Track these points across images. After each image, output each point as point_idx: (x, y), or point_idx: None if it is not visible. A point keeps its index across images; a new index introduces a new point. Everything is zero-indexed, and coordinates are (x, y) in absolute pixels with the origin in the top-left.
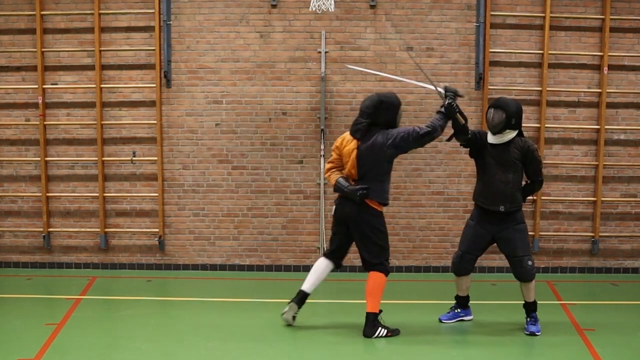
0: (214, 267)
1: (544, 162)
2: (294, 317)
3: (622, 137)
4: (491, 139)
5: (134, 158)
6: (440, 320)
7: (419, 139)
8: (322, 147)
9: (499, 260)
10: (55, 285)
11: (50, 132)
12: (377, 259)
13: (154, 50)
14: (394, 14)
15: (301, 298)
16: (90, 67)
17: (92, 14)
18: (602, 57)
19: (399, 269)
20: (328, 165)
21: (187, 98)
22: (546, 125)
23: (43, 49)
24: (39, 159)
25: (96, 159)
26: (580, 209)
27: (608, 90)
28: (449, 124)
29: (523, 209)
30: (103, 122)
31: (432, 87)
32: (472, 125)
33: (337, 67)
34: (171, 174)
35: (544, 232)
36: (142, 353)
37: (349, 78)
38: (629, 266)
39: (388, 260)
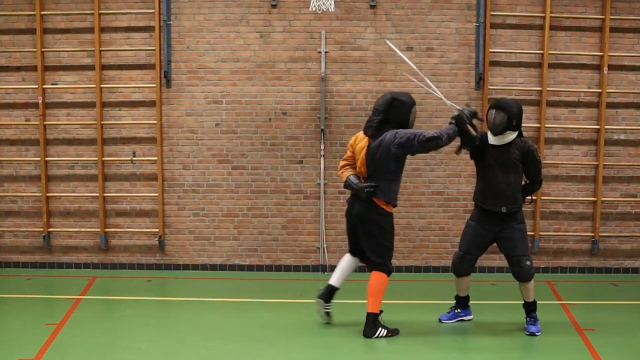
0: (214, 267)
1: (544, 162)
2: (327, 313)
3: (622, 137)
4: (492, 140)
5: (134, 158)
6: (440, 321)
7: (424, 143)
8: (322, 147)
9: (499, 260)
10: (55, 285)
11: (50, 132)
12: (380, 258)
13: (154, 50)
14: (394, 14)
15: (328, 292)
16: (90, 67)
17: (92, 14)
18: (602, 57)
19: (399, 269)
20: (342, 163)
21: (187, 98)
22: (546, 125)
23: (43, 49)
24: (39, 159)
25: (96, 159)
26: (580, 209)
27: (608, 90)
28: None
29: (523, 209)
30: (103, 122)
31: (456, 107)
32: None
33: (337, 67)
34: (171, 174)
35: (544, 232)
36: (142, 353)
37: (349, 78)
38: (629, 266)
39: (391, 260)
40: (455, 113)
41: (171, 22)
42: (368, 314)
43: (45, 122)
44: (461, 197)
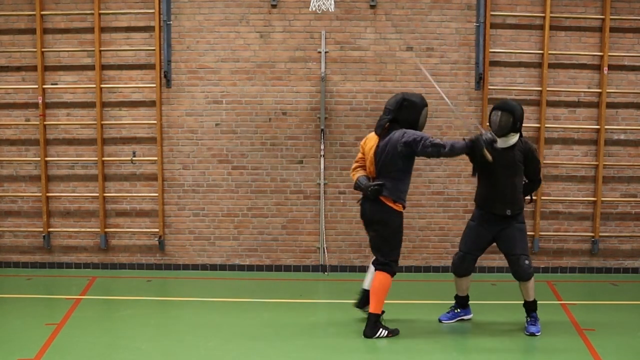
0: (214, 267)
1: (544, 162)
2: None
3: (622, 137)
4: (497, 143)
5: (134, 158)
6: (440, 321)
7: (427, 147)
8: (322, 147)
9: (499, 260)
10: (55, 285)
11: (50, 132)
12: (384, 257)
13: (154, 50)
14: (394, 14)
15: (364, 297)
16: (90, 67)
17: (92, 14)
18: (602, 57)
19: (399, 269)
20: (353, 165)
21: (187, 98)
22: (546, 125)
23: (43, 49)
24: (39, 159)
25: (96, 159)
26: (580, 209)
27: (608, 90)
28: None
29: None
30: (103, 122)
31: (478, 127)
32: (472, 125)
33: (337, 67)
34: (171, 174)
35: (544, 232)
36: (142, 353)
37: (349, 78)
38: (629, 266)
39: (397, 262)
40: (473, 137)
41: (171, 22)
42: (369, 314)
43: (45, 122)
44: (461, 197)
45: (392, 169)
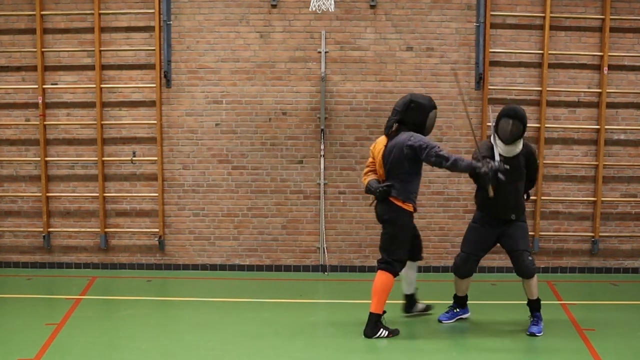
0: (214, 267)
1: (544, 162)
2: (425, 309)
3: (622, 137)
4: (502, 150)
5: (134, 158)
6: (439, 321)
7: (431, 157)
8: (322, 147)
9: (499, 260)
10: (55, 285)
11: (50, 132)
12: (389, 256)
13: (154, 50)
14: (394, 14)
15: (408, 302)
16: (90, 67)
17: (92, 14)
18: (602, 57)
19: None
20: (365, 170)
21: (187, 98)
22: (546, 125)
23: (43, 49)
24: (39, 159)
25: (96, 159)
26: (580, 209)
27: (608, 90)
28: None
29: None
30: (103, 122)
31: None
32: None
33: (337, 67)
34: (171, 174)
35: (544, 232)
36: (142, 353)
37: (349, 78)
38: (629, 266)
39: (400, 263)
40: (482, 168)
41: (171, 22)
42: (370, 313)
43: (45, 122)
44: (461, 197)
45: (399, 171)
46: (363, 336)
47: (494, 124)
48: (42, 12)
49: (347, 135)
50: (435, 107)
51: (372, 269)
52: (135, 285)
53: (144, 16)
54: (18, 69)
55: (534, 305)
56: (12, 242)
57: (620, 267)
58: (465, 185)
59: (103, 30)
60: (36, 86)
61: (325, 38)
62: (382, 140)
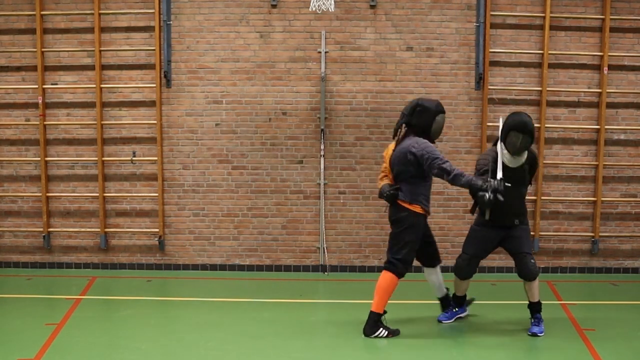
0: (214, 267)
1: (544, 162)
2: (468, 301)
3: (622, 137)
4: (508, 162)
5: (134, 158)
6: (439, 321)
7: (434, 168)
8: (322, 147)
9: (499, 260)
10: (55, 285)
11: (50, 132)
12: (393, 256)
13: (154, 50)
14: (394, 14)
15: (443, 304)
16: (90, 67)
17: (92, 14)
18: (602, 57)
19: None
20: (380, 175)
21: (187, 98)
22: (546, 125)
23: (43, 49)
24: (39, 159)
25: (96, 159)
26: (580, 209)
27: (608, 90)
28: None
29: None
30: (103, 122)
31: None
32: (472, 125)
33: (337, 67)
34: (171, 174)
35: (544, 232)
36: (142, 353)
37: (349, 78)
38: (629, 266)
39: (404, 263)
40: (482, 191)
41: (171, 22)
42: (370, 312)
43: (45, 122)
44: (461, 197)
45: (405, 175)
46: (363, 335)
47: (500, 130)
48: (42, 12)
49: (347, 135)
50: (442, 112)
51: (372, 269)
52: (135, 285)
53: (144, 16)
54: (18, 69)
55: (535, 308)
56: (12, 242)
57: (620, 267)
58: None
59: (103, 30)
60: (36, 86)
61: (325, 38)
62: (392, 144)
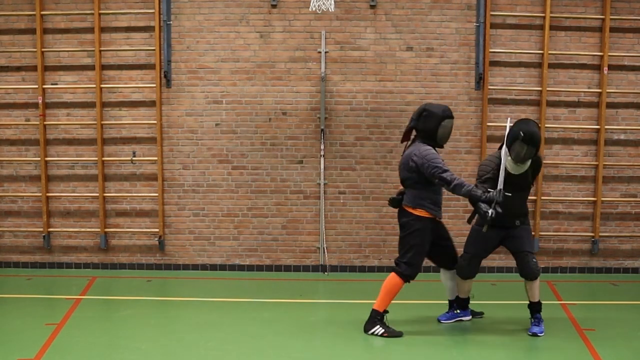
0: (214, 267)
1: (544, 162)
2: (477, 313)
3: (622, 137)
4: (511, 168)
5: (134, 158)
6: (439, 321)
7: (434, 177)
8: (322, 147)
9: (499, 260)
10: (55, 285)
11: (50, 132)
12: (398, 259)
13: (154, 50)
14: (394, 14)
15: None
16: (90, 67)
17: (92, 14)
18: (602, 57)
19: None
20: None
21: (187, 98)
22: (546, 125)
23: (43, 49)
24: (39, 159)
25: (96, 159)
26: (580, 209)
27: (608, 90)
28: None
29: None
30: (103, 122)
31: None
32: (472, 125)
33: (337, 67)
34: (171, 174)
35: (544, 232)
36: (142, 353)
37: (349, 78)
38: (629, 266)
39: (409, 266)
40: (489, 213)
41: (171, 22)
42: (372, 309)
43: (45, 122)
44: (461, 197)
45: (410, 181)
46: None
47: (506, 134)
48: (42, 12)
49: (347, 135)
50: (448, 117)
51: (372, 269)
52: (135, 285)
53: (144, 16)
54: (18, 69)
55: (535, 307)
56: (12, 242)
57: (620, 267)
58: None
59: (103, 30)
60: (36, 86)
61: (325, 38)
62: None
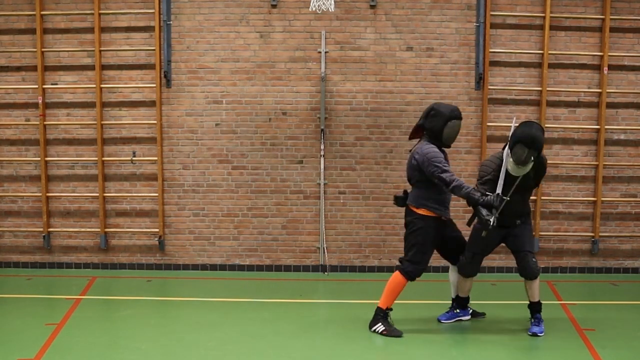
0: (214, 267)
1: None
2: (478, 314)
3: (622, 137)
4: (512, 169)
5: (134, 158)
6: (439, 321)
7: (434, 177)
8: (322, 147)
9: (499, 260)
10: (55, 285)
11: (50, 132)
12: (404, 257)
13: (154, 50)
14: (394, 14)
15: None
16: (90, 67)
17: (92, 14)
18: (602, 57)
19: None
20: None
21: (187, 98)
22: (546, 125)
23: (43, 49)
24: (39, 159)
25: (96, 159)
26: (580, 209)
27: (608, 90)
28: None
29: None
30: (103, 122)
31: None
32: (472, 125)
33: (337, 67)
34: (171, 174)
35: (544, 232)
36: (142, 353)
37: (349, 78)
38: (629, 266)
39: (412, 264)
40: (490, 221)
41: (171, 22)
42: (377, 307)
43: (45, 122)
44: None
45: (413, 180)
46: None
47: (510, 135)
48: (42, 12)
49: (347, 135)
50: (456, 118)
51: (372, 269)
52: (135, 285)
53: (144, 16)
54: (18, 69)
55: (535, 307)
56: (12, 242)
57: (620, 267)
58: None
59: (103, 30)
60: (36, 86)
61: (325, 38)
62: None
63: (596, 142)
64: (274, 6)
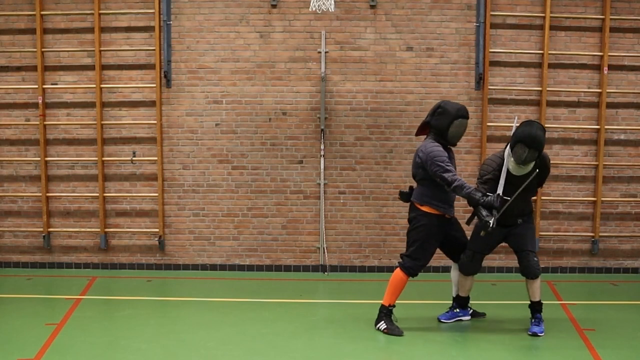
0: (214, 267)
1: None
2: (479, 314)
3: (622, 137)
4: (513, 169)
5: (134, 158)
6: (439, 320)
7: (436, 177)
8: (322, 147)
9: (499, 260)
10: (55, 285)
11: (50, 132)
12: (404, 253)
13: (154, 50)
14: (394, 14)
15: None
16: (90, 67)
17: (92, 14)
18: (602, 57)
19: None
20: None
21: (187, 98)
22: (546, 125)
23: (43, 49)
24: (39, 159)
25: (96, 159)
26: (580, 209)
27: (608, 90)
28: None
29: None
30: (103, 122)
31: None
32: (472, 125)
33: (337, 67)
34: (171, 174)
35: (544, 232)
36: (142, 353)
37: (349, 78)
38: (629, 266)
39: (413, 260)
40: (490, 222)
41: (171, 22)
42: (381, 304)
43: (45, 122)
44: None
45: (418, 177)
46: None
47: (513, 132)
48: (42, 12)
49: (347, 135)
50: (462, 117)
51: (372, 269)
52: (135, 285)
53: (144, 16)
54: (18, 69)
55: (536, 307)
56: (12, 242)
57: (620, 267)
58: None
59: (103, 30)
60: (36, 86)
61: (325, 38)
62: None
63: (596, 142)
64: (274, 6)
